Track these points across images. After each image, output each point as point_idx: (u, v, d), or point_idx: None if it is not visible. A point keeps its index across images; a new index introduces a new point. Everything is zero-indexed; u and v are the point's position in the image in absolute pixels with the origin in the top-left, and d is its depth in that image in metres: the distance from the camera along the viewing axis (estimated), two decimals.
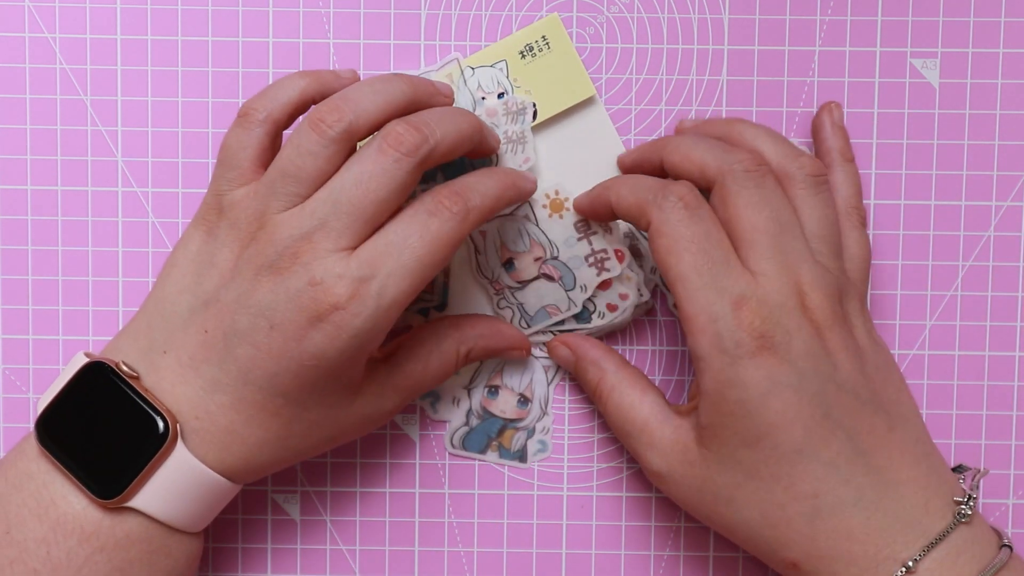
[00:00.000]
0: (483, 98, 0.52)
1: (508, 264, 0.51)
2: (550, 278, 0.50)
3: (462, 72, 0.52)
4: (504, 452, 0.54)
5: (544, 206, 0.50)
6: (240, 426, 0.45)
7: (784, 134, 0.53)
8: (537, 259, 0.50)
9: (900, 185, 0.53)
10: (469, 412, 0.53)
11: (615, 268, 0.50)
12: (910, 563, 0.44)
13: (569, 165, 0.53)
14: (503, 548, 0.54)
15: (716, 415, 0.45)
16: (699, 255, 0.44)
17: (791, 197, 0.47)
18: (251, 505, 0.54)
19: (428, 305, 0.53)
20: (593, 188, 0.50)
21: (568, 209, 0.50)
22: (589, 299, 0.51)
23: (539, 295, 0.51)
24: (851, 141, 0.53)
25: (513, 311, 0.52)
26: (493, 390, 0.53)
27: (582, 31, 0.53)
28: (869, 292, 0.52)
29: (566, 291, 0.50)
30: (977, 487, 0.46)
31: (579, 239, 0.50)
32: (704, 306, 0.44)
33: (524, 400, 0.53)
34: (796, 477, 0.44)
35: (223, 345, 0.44)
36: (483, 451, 0.54)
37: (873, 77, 0.53)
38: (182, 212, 0.53)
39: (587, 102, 0.53)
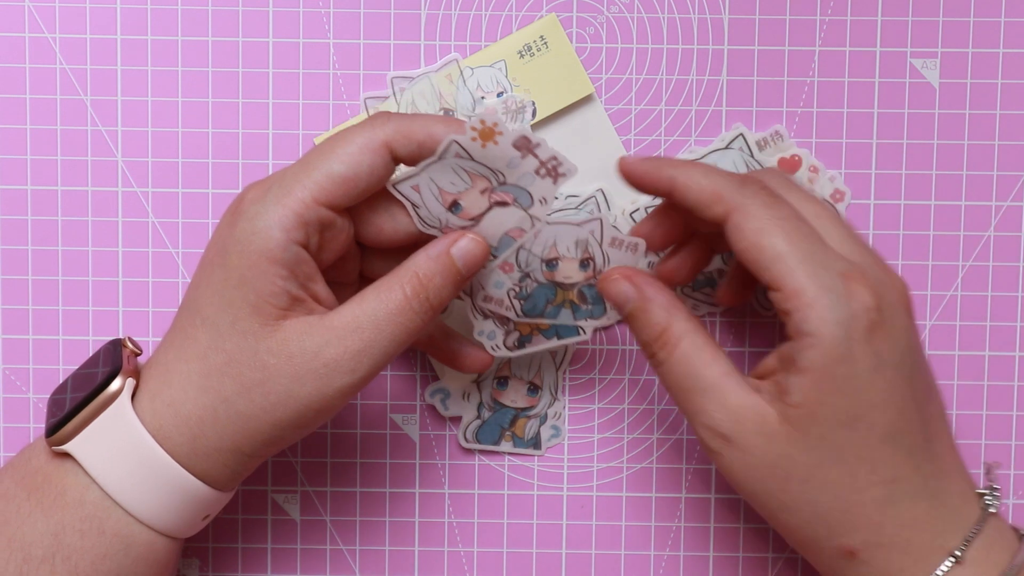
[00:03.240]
0: (482, 97, 0.52)
1: (454, 207, 0.46)
2: (503, 204, 0.47)
3: (461, 72, 0.52)
4: (518, 441, 0.54)
5: (474, 139, 0.45)
6: (166, 359, 0.45)
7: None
8: (484, 191, 0.46)
9: (900, 185, 0.53)
10: (480, 405, 0.53)
11: (570, 169, 0.46)
12: (957, 553, 0.43)
13: (575, 159, 0.53)
14: (503, 548, 0.54)
15: (818, 393, 0.43)
16: (795, 232, 0.43)
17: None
18: (251, 505, 0.54)
19: None
20: (651, 160, 0.47)
21: (501, 133, 0.45)
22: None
23: (498, 223, 0.47)
24: (851, 141, 0.53)
25: None
26: (502, 381, 0.53)
27: (582, 31, 0.53)
28: None
29: (524, 209, 0.47)
30: (996, 479, 0.46)
31: (523, 157, 0.46)
32: (812, 278, 0.42)
33: (534, 388, 0.54)
34: (880, 462, 0.43)
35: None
36: (497, 442, 0.54)
37: (873, 77, 0.53)
38: (182, 212, 0.53)
39: (586, 101, 0.53)
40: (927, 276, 0.53)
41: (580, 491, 0.54)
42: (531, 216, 0.47)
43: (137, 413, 0.44)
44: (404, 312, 0.44)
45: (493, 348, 0.49)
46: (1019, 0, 0.53)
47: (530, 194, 0.46)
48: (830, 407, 0.43)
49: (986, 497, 0.45)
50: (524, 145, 0.45)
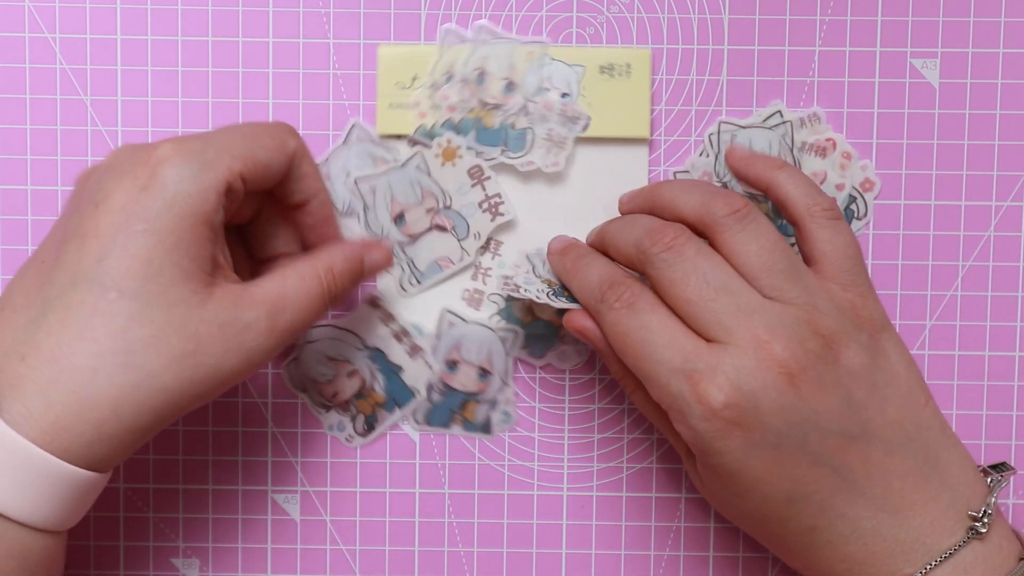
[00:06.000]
0: (546, 89, 0.52)
1: (399, 219, 0.50)
2: (442, 228, 0.50)
3: (543, 56, 0.52)
4: (468, 425, 0.54)
5: (436, 156, 0.49)
6: (68, 344, 0.41)
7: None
8: (429, 210, 0.50)
9: (900, 185, 0.53)
10: (430, 388, 0.53)
11: (509, 211, 0.49)
12: None
13: (594, 190, 0.53)
14: (503, 548, 0.54)
15: (702, 469, 0.46)
16: (641, 344, 0.44)
17: (720, 245, 0.45)
18: (251, 505, 0.54)
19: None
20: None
21: (461, 157, 0.49)
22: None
23: (431, 248, 0.50)
24: (851, 141, 0.53)
25: (403, 268, 0.52)
26: (452, 365, 0.53)
27: (582, 31, 0.53)
28: None
29: (458, 240, 0.50)
30: (994, 499, 0.45)
31: (472, 185, 0.49)
32: (664, 388, 0.44)
33: (484, 373, 0.53)
34: (790, 519, 0.44)
35: (54, 260, 0.42)
36: (447, 425, 0.54)
37: (873, 77, 0.53)
38: None
39: (638, 142, 0.53)
40: (927, 276, 0.53)
41: (580, 491, 0.54)
42: (463, 248, 0.50)
43: (19, 413, 0.40)
44: (319, 301, 0.46)
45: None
46: (1019, 0, 0.53)
47: (468, 225, 0.50)
48: (718, 482, 0.45)
49: (975, 523, 0.44)
50: (477, 174, 0.49)
